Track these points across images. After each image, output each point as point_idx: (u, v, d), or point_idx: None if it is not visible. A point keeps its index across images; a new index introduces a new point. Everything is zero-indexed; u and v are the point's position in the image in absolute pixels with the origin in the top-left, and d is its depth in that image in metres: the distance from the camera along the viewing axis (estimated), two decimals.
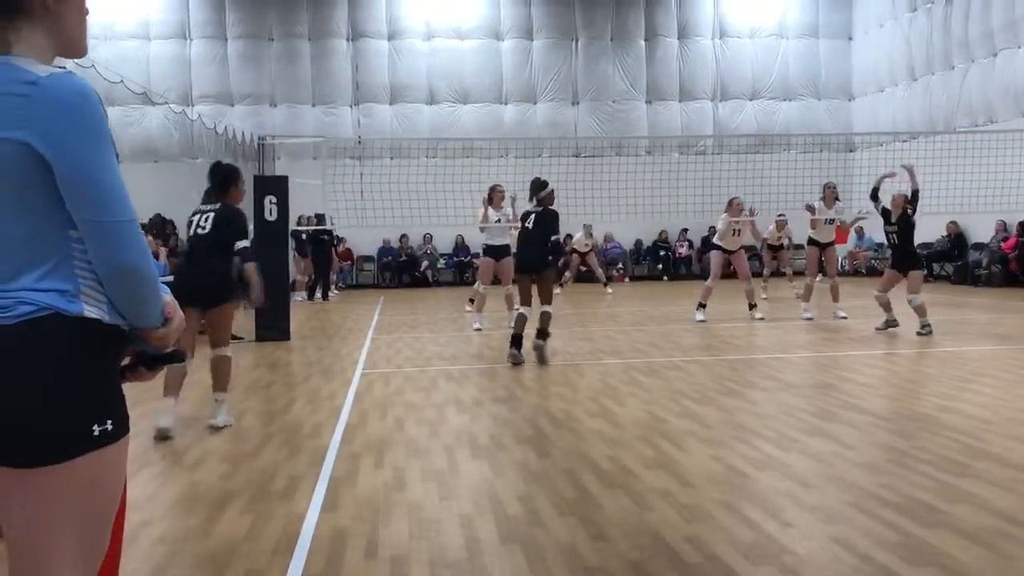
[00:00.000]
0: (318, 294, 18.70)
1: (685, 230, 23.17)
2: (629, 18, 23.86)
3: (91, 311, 1.78)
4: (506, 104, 23.52)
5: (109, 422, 1.76)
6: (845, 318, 11.93)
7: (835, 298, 12.27)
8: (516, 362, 8.60)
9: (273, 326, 11.27)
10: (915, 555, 3.39)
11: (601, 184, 15.00)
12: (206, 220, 6.18)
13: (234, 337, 11.15)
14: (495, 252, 11.94)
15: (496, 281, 12.17)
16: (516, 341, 8.72)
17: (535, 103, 23.61)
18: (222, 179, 6.34)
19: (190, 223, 6.32)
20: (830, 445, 5.18)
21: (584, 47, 23.76)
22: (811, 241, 12.56)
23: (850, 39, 24.53)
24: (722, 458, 4.94)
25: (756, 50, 24.22)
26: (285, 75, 22.95)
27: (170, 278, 7.34)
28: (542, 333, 8.66)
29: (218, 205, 6.25)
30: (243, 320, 12.86)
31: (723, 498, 4.19)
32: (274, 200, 11.43)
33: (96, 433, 1.73)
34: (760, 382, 7.46)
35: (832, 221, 12.55)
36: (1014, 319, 11.91)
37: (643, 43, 23.99)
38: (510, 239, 11.62)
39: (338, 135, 21.92)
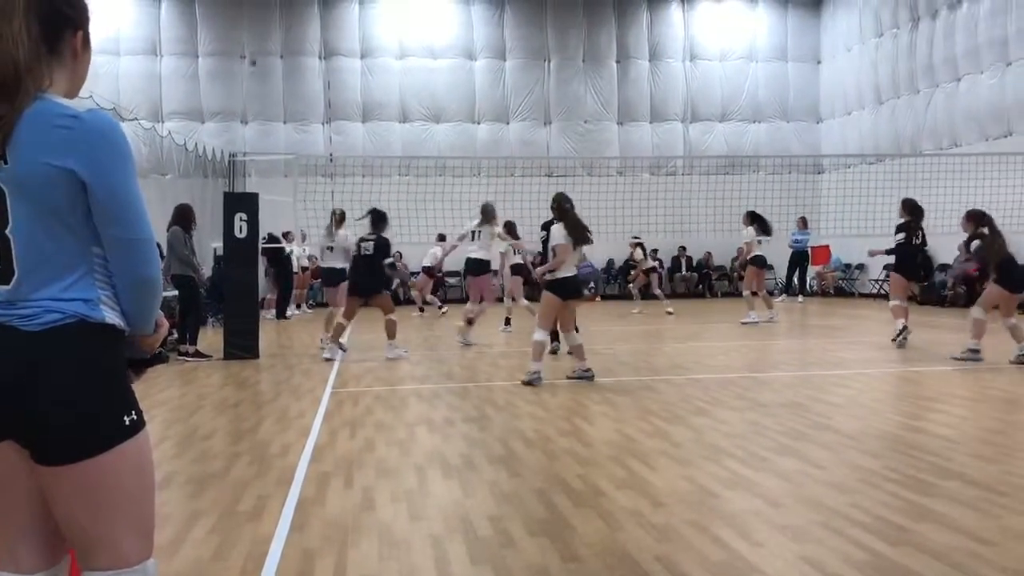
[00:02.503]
0: (293, 311, 18.65)
1: (655, 250, 23.28)
2: (601, 40, 24.08)
3: (110, 317, 2.04)
4: (479, 123, 23.61)
5: (134, 412, 2.05)
6: (756, 323, 14.49)
7: (752, 307, 14.77)
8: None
9: (242, 344, 11.17)
10: (883, 574, 3.41)
11: (573, 204, 15.02)
12: (369, 246, 10.80)
13: (201, 355, 11.12)
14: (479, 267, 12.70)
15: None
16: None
17: (508, 123, 23.72)
18: (378, 218, 10.98)
19: (358, 246, 10.89)
20: (799, 464, 5.20)
21: (556, 68, 23.93)
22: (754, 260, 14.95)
23: (818, 63, 24.92)
24: (692, 477, 4.95)
25: (726, 72, 24.54)
26: (257, 92, 22.88)
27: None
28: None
29: (375, 236, 10.85)
30: (211, 338, 12.73)
31: (693, 517, 4.20)
32: (244, 217, 11.35)
33: (127, 423, 2.02)
34: (730, 401, 7.50)
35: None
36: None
37: (615, 64, 24.21)
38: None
39: (309, 152, 21.85)
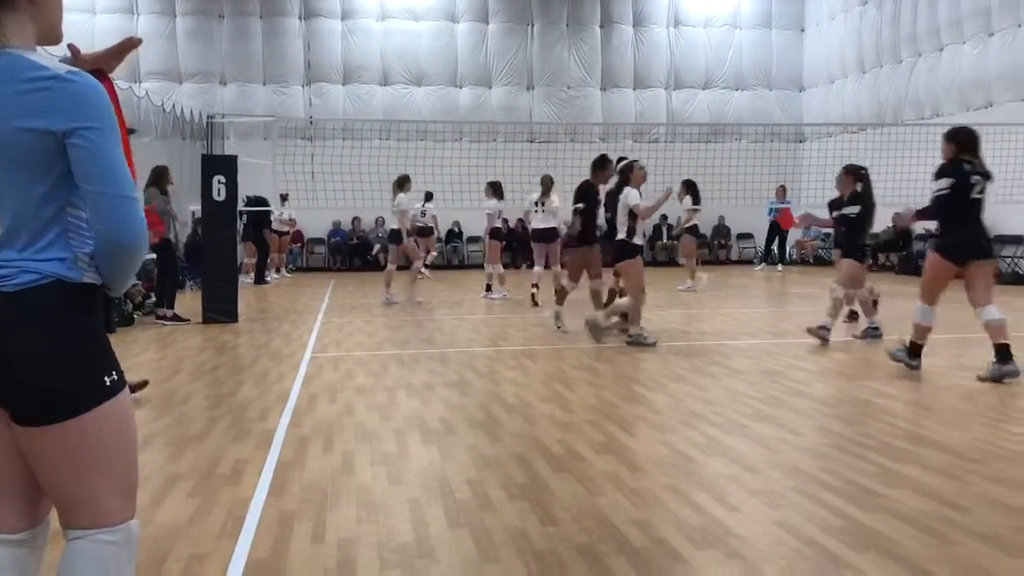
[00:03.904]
0: (274, 275, 18.59)
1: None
2: (585, 5, 23.87)
3: (88, 276, 2.01)
4: (461, 87, 23.40)
5: (114, 372, 2.04)
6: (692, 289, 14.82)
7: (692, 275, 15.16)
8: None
9: (220, 308, 11.11)
10: (857, 539, 3.45)
11: (555, 170, 14.95)
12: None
13: (179, 318, 11.05)
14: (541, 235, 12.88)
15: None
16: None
17: (490, 87, 23.52)
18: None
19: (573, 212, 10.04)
20: (776, 430, 5.25)
21: (540, 32, 23.71)
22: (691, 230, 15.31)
23: (802, 31, 24.83)
24: (670, 443, 4.99)
25: (710, 39, 24.41)
26: (235, 53, 22.55)
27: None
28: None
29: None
30: (190, 302, 12.66)
31: (671, 482, 4.23)
32: (223, 180, 11.23)
33: (108, 383, 2.01)
34: (708, 368, 7.55)
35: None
36: (953, 310, 12.19)
37: (599, 30, 24.02)
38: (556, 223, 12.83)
39: (289, 115, 21.64)
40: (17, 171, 1.93)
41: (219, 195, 11.24)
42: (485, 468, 4.53)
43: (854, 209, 9.13)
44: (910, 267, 18.67)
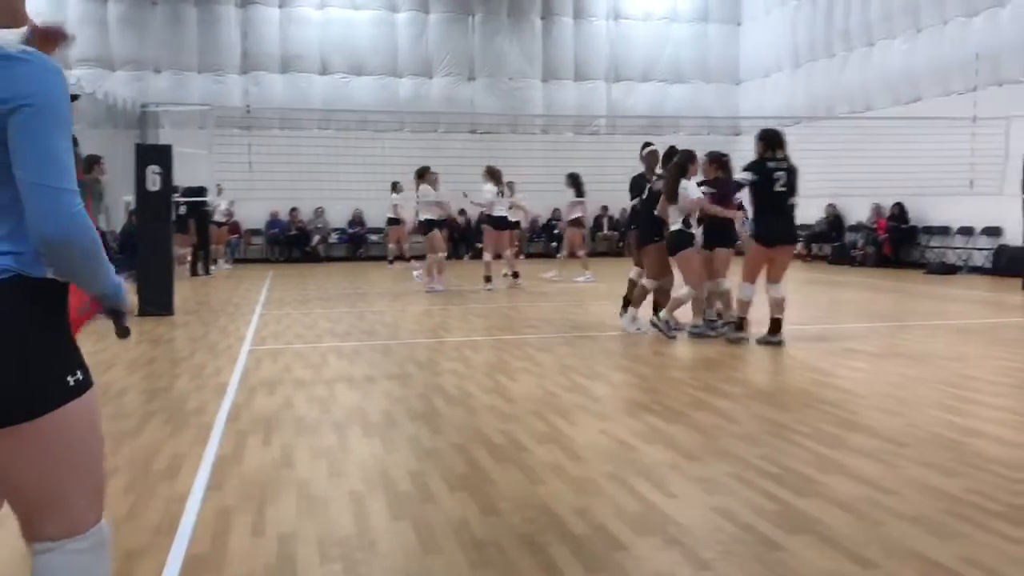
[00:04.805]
0: (223, 266, 18.39)
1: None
2: None
3: (51, 272, 1.91)
4: (401, 77, 23.21)
5: (79, 372, 1.96)
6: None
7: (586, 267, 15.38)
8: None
9: (156, 300, 10.87)
10: (792, 523, 3.54)
11: (497, 161, 15.00)
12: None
13: None
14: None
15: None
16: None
17: (431, 77, 23.38)
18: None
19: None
20: (714, 418, 5.34)
21: (481, 23, 23.64)
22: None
23: (739, 25, 25.18)
24: (610, 431, 5.04)
25: (649, 33, 24.60)
26: (170, 40, 22.03)
27: None
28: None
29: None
30: None
31: (611, 470, 4.28)
32: (157, 170, 10.99)
33: (72, 383, 1.93)
34: (648, 357, 7.64)
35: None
36: (885, 298, 12.53)
37: (539, 21, 24.04)
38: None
39: (225, 104, 21.19)
40: None
41: (154, 185, 11.00)
42: (426, 460, 4.53)
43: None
44: (842, 257, 19.12)
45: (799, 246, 12.46)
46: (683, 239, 8.49)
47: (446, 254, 13.82)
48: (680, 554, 3.25)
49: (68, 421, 1.93)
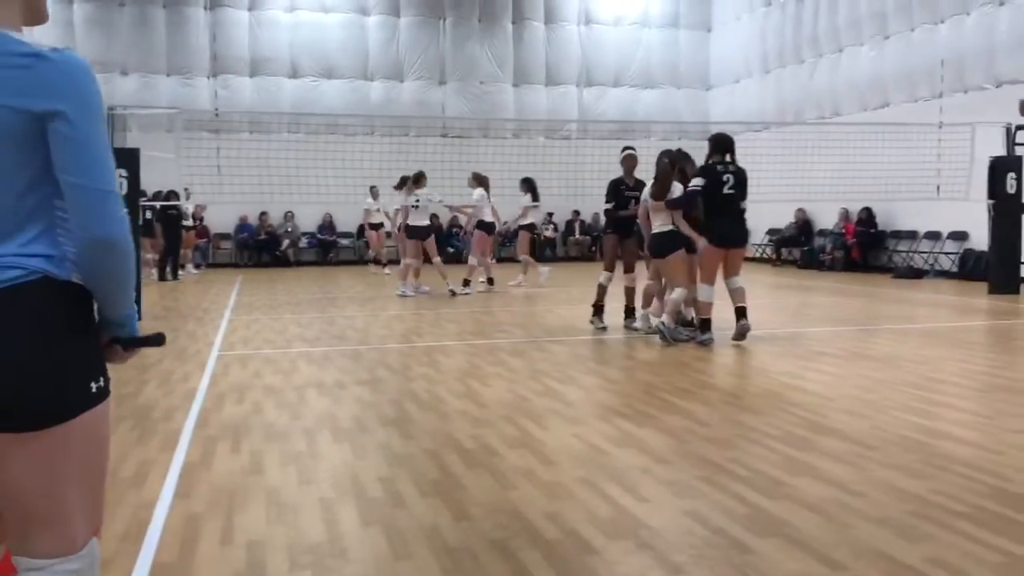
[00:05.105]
0: (192, 270, 18.21)
1: (551, 213, 23.43)
2: (497, 0, 23.88)
3: (77, 276, 1.87)
4: (372, 81, 23.11)
5: (101, 379, 1.91)
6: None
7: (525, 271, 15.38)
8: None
9: None
10: (762, 526, 3.56)
11: (468, 166, 15.01)
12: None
13: None
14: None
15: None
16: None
17: (402, 81, 23.30)
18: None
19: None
20: (685, 422, 5.36)
21: (452, 27, 23.61)
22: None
23: (709, 31, 25.36)
24: (582, 436, 5.05)
25: (620, 38, 24.70)
26: (138, 42, 21.79)
27: None
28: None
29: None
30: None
31: (583, 475, 4.28)
32: (124, 174, 10.87)
33: (94, 390, 1.88)
34: (619, 361, 7.66)
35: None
36: (853, 302, 12.67)
37: (510, 26, 24.05)
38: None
39: (194, 107, 21.02)
40: (2, 155, 1.80)
41: (121, 189, 10.86)
42: (397, 465, 4.51)
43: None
44: (811, 262, 19.30)
45: (768, 250, 12.54)
46: (672, 240, 8.57)
47: (420, 261, 13.72)
48: (651, 558, 3.26)
49: (85, 430, 1.87)
